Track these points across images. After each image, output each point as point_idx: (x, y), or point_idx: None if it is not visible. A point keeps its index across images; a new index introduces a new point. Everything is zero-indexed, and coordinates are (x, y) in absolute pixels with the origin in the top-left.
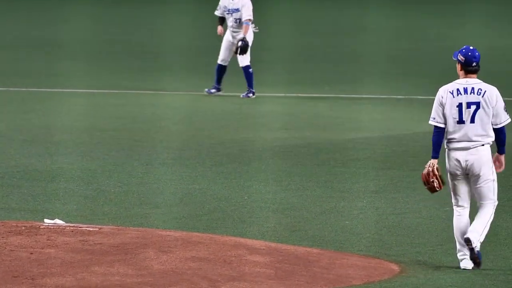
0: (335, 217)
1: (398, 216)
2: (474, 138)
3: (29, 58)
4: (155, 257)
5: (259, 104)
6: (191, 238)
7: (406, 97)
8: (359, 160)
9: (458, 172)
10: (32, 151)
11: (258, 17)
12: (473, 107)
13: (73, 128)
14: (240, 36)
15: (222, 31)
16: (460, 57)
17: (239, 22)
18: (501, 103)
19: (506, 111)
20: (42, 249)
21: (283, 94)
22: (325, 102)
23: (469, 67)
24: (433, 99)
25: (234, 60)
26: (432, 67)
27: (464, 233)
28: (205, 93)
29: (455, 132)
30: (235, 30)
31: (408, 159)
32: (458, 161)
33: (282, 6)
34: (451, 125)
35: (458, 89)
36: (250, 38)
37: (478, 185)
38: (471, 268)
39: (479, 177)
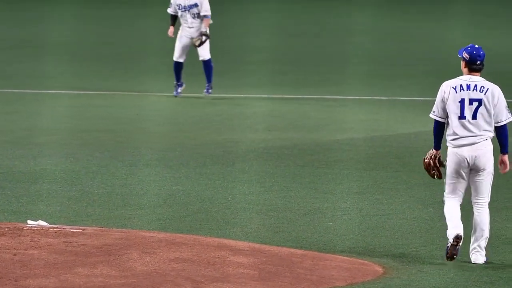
0: (319, 218)
1: (382, 217)
2: (478, 133)
3: (12, 59)
4: (138, 258)
5: (243, 105)
6: (174, 239)
7: (391, 98)
8: (342, 161)
9: (464, 168)
10: (15, 153)
11: (244, 17)
12: (475, 104)
13: (56, 129)
14: (202, 30)
15: (173, 32)
16: (465, 55)
17: (197, 17)
18: (503, 102)
19: (508, 110)
20: (26, 250)
21: (267, 95)
22: (309, 103)
23: (473, 65)
24: (418, 100)
25: (215, 61)
26: (416, 68)
27: (457, 216)
28: (174, 95)
29: (458, 129)
30: (191, 26)
31: (392, 160)
32: (465, 157)
33: (267, 7)
34: (453, 121)
35: (461, 85)
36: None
37: (480, 179)
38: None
39: (483, 171)
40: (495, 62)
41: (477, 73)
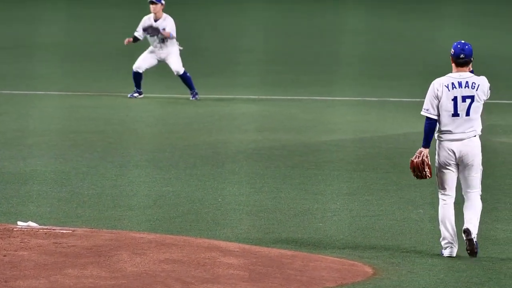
0: (309, 219)
1: (372, 218)
2: (468, 130)
3: (1, 60)
4: (128, 259)
5: (233, 106)
6: (164, 240)
7: (380, 99)
8: (332, 162)
9: (451, 162)
10: (5, 154)
11: (234, 18)
12: (468, 101)
13: (46, 130)
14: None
15: (129, 42)
16: (452, 50)
17: (163, 41)
18: (488, 91)
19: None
20: (16, 251)
21: (257, 96)
22: (299, 104)
23: (458, 59)
24: (408, 101)
25: (205, 61)
26: (406, 69)
27: (451, 221)
28: (128, 96)
29: (449, 125)
30: (159, 50)
31: (382, 161)
32: (453, 151)
33: (257, 7)
34: (445, 118)
35: (453, 83)
36: (177, 52)
37: (469, 175)
38: (455, 255)
39: (472, 167)
40: (487, 63)
41: (464, 68)
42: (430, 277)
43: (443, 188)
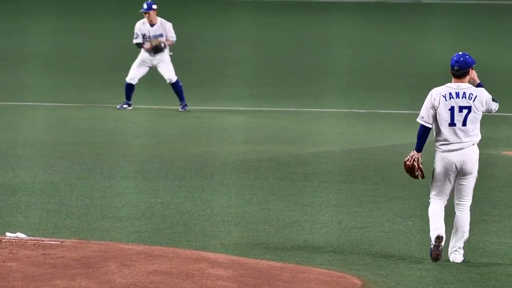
0: (297, 231)
1: (360, 230)
2: (466, 140)
3: None
4: (117, 271)
5: (221, 118)
6: (153, 251)
7: (368, 111)
8: (321, 174)
9: (451, 172)
10: None
11: (222, 29)
12: (465, 111)
13: (35, 141)
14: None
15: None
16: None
17: (163, 46)
18: (489, 99)
19: (494, 100)
20: (4, 262)
21: (245, 108)
22: (287, 116)
23: (452, 70)
24: (396, 113)
25: (194, 73)
26: (395, 81)
27: (440, 216)
28: (117, 108)
29: (447, 135)
30: (152, 56)
31: (370, 173)
32: (453, 162)
33: (246, 19)
34: (443, 127)
35: (450, 93)
36: (169, 59)
37: (464, 182)
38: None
39: (469, 175)
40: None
41: (462, 79)
42: None
43: (439, 195)
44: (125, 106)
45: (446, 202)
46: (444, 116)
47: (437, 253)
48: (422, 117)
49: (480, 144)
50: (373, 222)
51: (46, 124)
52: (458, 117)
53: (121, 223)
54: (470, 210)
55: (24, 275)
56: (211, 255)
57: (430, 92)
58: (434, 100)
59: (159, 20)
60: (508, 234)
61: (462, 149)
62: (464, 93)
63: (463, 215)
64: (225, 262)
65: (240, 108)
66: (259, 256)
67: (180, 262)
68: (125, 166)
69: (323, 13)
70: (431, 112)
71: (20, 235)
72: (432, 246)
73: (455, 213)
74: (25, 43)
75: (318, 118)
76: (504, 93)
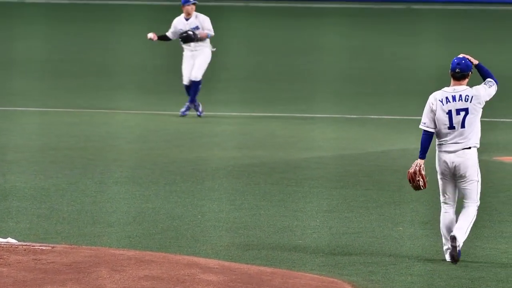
0: (289, 236)
1: (352, 235)
2: (462, 141)
3: None
4: (108, 276)
5: (213, 123)
6: (144, 257)
7: (360, 116)
8: (312, 180)
9: (446, 173)
10: None
11: (215, 34)
12: (463, 113)
13: (26, 146)
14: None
15: (154, 36)
16: (451, 65)
17: (193, 37)
18: (487, 91)
19: (489, 85)
20: None
21: (237, 113)
22: (279, 121)
23: (452, 72)
24: (387, 119)
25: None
26: (386, 87)
27: (449, 228)
28: (198, 115)
29: (445, 136)
30: (195, 49)
31: (362, 178)
32: (446, 162)
33: (237, 25)
34: (442, 130)
35: (447, 97)
36: (208, 57)
37: (463, 186)
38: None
39: (465, 178)
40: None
41: (460, 82)
42: None
43: (444, 197)
44: (200, 109)
45: (454, 203)
46: (442, 120)
47: (454, 254)
48: (424, 123)
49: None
50: (364, 227)
51: (37, 129)
52: (456, 120)
53: (112, 228)
54: (476, 212)
55: (14, 281)
56: (202, 260)
57: (429, 97)
58: (432, 105)
59: (194, 14)
60: (499, 240)
61: (457, 151)
62: (460, 95)
63: (466, 210)
64: (216, 268)
65: (232, 114)
66: (250, 261)
67: (171, 268)
68: (116, 171)
69: (315, 19)
70: (431, 116)
71: (11, 240)
72: (446, 247)
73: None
74: (16, 48)
75: (310, 124)
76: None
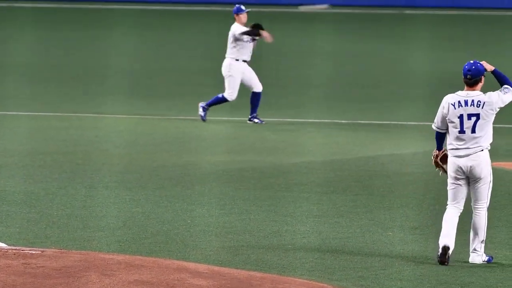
0: (278, 241)
1: (341, 240)
2: (474, 146)
3: None
4: (97, 281)
5: (202, 127)
6: (134, 261)
7: (350, 121)
8: (302, 185)
9: (459, 177)
10: None
11: (201, 38)
12: (473, 119)
13: (15, 151)
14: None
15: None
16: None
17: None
18: (502, 98)
19: (506, 91)
20: None
21: (226, 118)
22: (268, 126)
23: (464, 79)
24: (377, 124)
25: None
26: (376, 92)
27: (449, 225)
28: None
29: (457, 141)
30: (249, 58)
31: (351, 183)
32: (460, 167)
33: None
34: (453, 134)
35: (459, 101)
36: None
37: (477, 186)
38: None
39: (479, 180)
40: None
41: (473, 88)
42: None
43: (453, 200)
44: (256, 120)
45: (461, 208)
46: (454, 124)
47: (443, 260)
48: (435, 123)
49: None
50: (354, 232)
51: (26, 133)
52: (467, 124)
53: (101, 232)
54: (486, 212)
55: (4, 285)
56: (191, 265)
57: (443, 99)
58: (444, 108)
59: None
60: (488, 245)
61: (470, 155)
62: (473, 100)
63: (477, 219)
64: (206, 272)
65: (221, 118)
66: (240, 266)
67: (161, 272)
68: (106, 175)
69: (305, 24)
70: (441, 119)
71: (1, 244)
72: (439, 253)
73: (471, 216)
74: (5, 53)
75: (300, 129)
76: None
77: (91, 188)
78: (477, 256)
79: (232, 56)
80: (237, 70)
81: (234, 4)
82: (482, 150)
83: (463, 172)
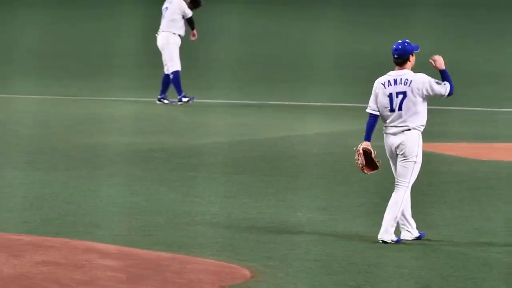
0: (187, 221)
1: (250, 221)
2: (401, 124)
3: None
4: (5, 262)
5: (113, 108)
6: (42, 242)
7: (259, 102)
8: (211, 165)
9: (391, 155)
10: None
11: (111, 21)
12: (400, 97)
13: None
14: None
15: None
16: None
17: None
18: (431, 85)
19: (439, 83)
20: None
21: (137, 99)
22: (178, 107)
23: (393, 58)
24: (286, 105)
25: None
26: (286, 73)
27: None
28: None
29: (387, 118)
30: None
31: (260, 164)
32: (390, 145)
33: (130, 11)
34: (384, 113)
35: (389, 81)
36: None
37: (401, 163)
38: (407, 238)
39: (402, 156)
40: (368, 67)
41: (402, 66)
42: (308, 279)
43: (395, 179)
44: (185, 99)
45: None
46: (383, 103)
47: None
48: (370, 106)
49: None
50: (263, 213)
51: None
52: (396, 102)
53: (10, 213)
54: (407, 192)
55: None
56: (100, 245)
57: (375, 82)
58: (376, 88)
59: None
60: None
61: (397, 134)
62: (401, 79)
63: (394, 196)
64: (115, 253)
65: (132, 99)
66: (149, 247)
67: (70, 253)
68: (16, 156)
69: (215, 4)
70: (374, 100)
71: None
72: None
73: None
74: None
75: (209, 110)
76: None
77: (0, 168)
78: (387, 234)
79: (170, 30)
80: (174, 43)
81: None
82: (409, 129)
83: (393, 150)
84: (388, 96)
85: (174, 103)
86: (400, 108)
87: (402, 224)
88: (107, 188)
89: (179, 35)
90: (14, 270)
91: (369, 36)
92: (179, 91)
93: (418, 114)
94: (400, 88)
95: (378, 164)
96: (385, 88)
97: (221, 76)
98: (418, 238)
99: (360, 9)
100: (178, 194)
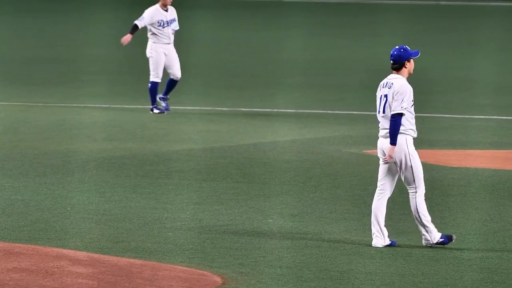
0: (158, 228)
1: (221, 228)
2: (386, 127)
3: None
4: None
5: (83, 115)
6: (13, 249)
7: (230, 109)
8: (183, 172)
9: (381, 157)
10: None
11: (82, 27)
12: (384, 99)
13: None
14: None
15: (128, 41)
16: None
17: (175, 32)
18: (400, 95)
19: (402, 103)
20: None
21: (106, 105)
22: (149, 114)
23: (390, 64)
24: (257, 111)
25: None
26: (256, 80)
27: (376, 213)
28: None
29: (379, 122)
30: (170, 42)
31: (232, 171)
32: (379, 146)
33: (103, 18)
34: (377, 115)
35: (382, 84)
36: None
37: (401, 172)
38: (379, 246)
39: (399, 165)
40: (336, 75)
41: (397, 72)
42: (279, 287)
43: (378, 180)
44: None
45: (384, 189)
46: (377, 106)
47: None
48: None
49: (341, 142)
50: (234, 220)
51: None
52: (381, 105)
53: None
54: (419, 198)
55: None
56: (71, 252)
57: None
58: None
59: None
60: (367, 233)
61: (380, 138)
62: (387, 82)
63: (410, 204)
64: (85, 260)
65: (102, 105)
66: (120, 253)
67: (40, 260)
68: None
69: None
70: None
71: None
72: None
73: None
74: None
75: (180, 116)
76: (355, 92)
77: None
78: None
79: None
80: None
81: None
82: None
83: (383, 153)
84: (379, 99)
85: (167, 111)
86: (383, 111)
87: (375, 231)
88: (78, 195)
89: (165, 43)
90: None
91: (337, 43)
92: (153, 101)
93: (404, 119)
94: (385, 91)
95: None
96: (379, 90)
97: (192, 83)
98: (389, 246)
99: (328, 17)
100: (150, 201)
